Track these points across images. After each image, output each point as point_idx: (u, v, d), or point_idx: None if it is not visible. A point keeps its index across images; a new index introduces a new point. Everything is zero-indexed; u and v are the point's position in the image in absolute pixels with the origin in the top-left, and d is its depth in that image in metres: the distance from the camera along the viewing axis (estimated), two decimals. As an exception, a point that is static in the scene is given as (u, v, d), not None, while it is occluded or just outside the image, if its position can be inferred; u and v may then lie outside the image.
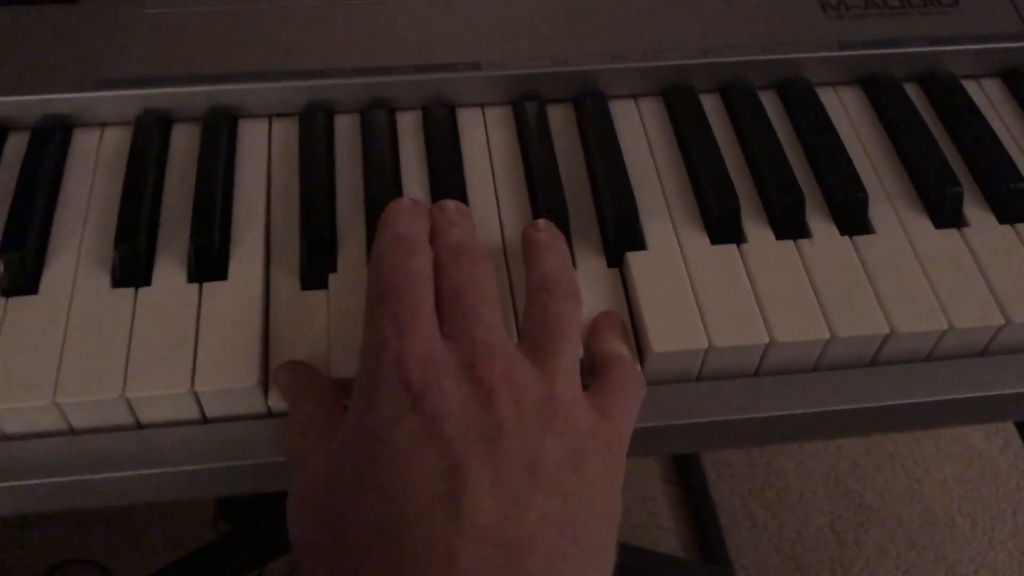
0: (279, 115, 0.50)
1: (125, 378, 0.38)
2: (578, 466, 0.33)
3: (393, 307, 0.36)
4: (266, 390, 0.40)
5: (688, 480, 1.21)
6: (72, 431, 0.40)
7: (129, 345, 0.40)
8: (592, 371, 0.39)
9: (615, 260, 0.44)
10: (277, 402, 0.40)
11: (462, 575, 0.29)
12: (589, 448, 0.33)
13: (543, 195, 0.45)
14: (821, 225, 0.46)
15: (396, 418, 0.33)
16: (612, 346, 0.40)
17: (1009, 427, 1.28)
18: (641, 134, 0.49)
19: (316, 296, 0.42)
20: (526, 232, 0.41)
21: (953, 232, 0.45)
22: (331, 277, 0.42)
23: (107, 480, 0.39)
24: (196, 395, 0.39)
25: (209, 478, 0.39)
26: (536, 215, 0.45)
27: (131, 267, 0.42)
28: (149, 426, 0.40)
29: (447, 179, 0.46)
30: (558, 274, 0.39)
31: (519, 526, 0.30)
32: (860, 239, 0.45)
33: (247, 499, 0.77)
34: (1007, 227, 0.46)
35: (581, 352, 0.39)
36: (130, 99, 0.48)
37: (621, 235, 0.44)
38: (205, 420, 0.40)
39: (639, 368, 0.41)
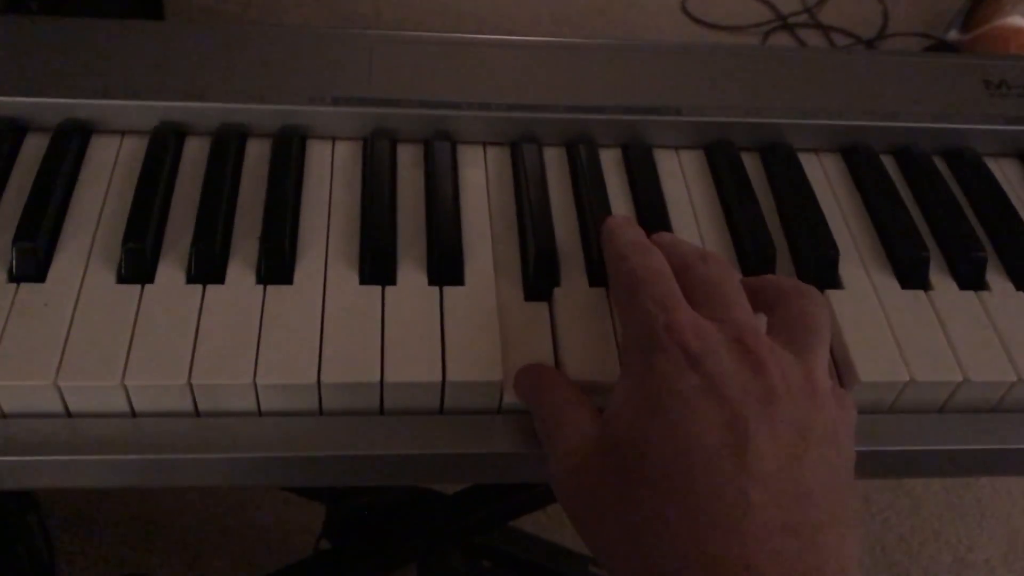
0: (492, 143, 0.54)
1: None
2: (834, 439, 0.36)
3: (650, 292, 0.38)
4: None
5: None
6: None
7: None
8: None
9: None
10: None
11: (753, 511, 0.32)
12: (841, 426, 0.37)
13: (750, 234, 0.49)
14: (996, 279, 0.50)
15: (678, 374, 0.35)
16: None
17: (1052, 510, 1.31)
18: (826, 185, 0.53)
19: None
20: None
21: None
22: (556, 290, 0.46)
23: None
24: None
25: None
26: (740, 251, 0.49)
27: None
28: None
29: (653, 213, 0.50)
30: (807, 284, 0.42)
31: (798, 478, 0.33)
32: (1030, 295, 0.49)
33: (355, 519, 0.79)
34: None
35: (828, 353, 0.41)
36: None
37: (822, 274, 0.48)
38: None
39: None
